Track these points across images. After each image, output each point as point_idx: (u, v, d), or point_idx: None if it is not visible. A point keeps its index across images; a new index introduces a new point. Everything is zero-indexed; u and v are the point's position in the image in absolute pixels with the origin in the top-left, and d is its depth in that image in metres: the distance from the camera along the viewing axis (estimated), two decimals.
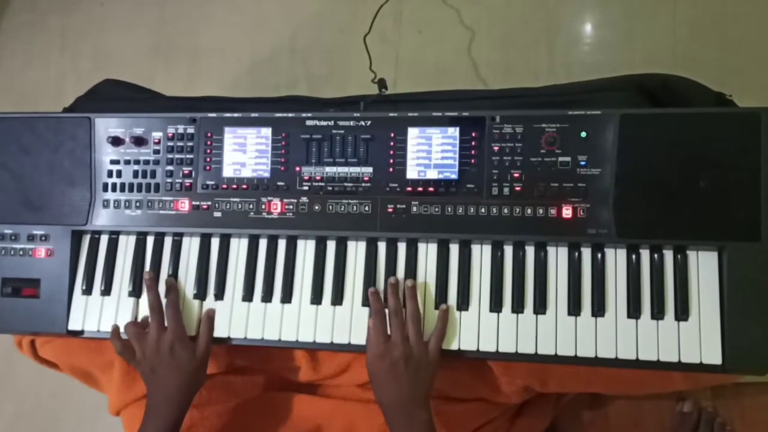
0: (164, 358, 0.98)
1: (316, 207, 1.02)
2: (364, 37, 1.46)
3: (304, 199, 1.02)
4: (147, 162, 1.06)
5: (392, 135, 1.01)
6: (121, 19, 2.23)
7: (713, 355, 0.91)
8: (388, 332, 0.96)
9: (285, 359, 1.10)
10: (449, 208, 0.98)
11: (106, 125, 1.07)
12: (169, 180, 1.06)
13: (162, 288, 1.04)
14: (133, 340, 1.00)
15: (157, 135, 1.06)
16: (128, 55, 2.20)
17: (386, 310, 0.97)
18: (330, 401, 1.08)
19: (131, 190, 1.06)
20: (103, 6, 2.25)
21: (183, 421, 0.99)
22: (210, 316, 1.03)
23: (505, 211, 0.97)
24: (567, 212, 0.95)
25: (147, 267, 1.06)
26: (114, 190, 1.07)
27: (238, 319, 1.02)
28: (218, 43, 2.13)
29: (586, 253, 0.96)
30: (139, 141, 1.06)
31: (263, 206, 1.03)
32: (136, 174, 1.06)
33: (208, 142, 1.05)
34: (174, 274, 1.06)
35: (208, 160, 1.05)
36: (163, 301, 1.03)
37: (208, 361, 1.02)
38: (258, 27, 2.11)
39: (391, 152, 1.01)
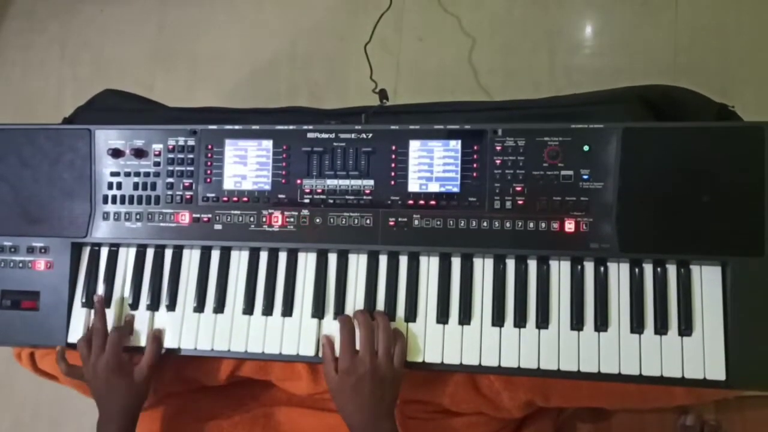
0: (101, 382, 1.00)
1: (317, 220, 1.01)
2: (365, 46, 1.46)
3: (305, 211, 1.02)
4: (147, 174, 1.06)
5: (394, 148, 1.01)
6: (121, 27, 2.22)
7: (717, 371, 0.90)
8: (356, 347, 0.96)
9: (286, 371, 1.10)
10: (451, 222, 0.98)
11: (107, 137, 1.07)
12: (170, 192, 1.05)
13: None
14: (81, 358, 1.02)
15: (157, 147, 1.06)
16: (128, 63, 2.20)
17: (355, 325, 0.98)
18: (332, 415, 1.07)
19: (131, 202, 1.06)
20: (102, 13, 2.25)
21: None
22: (156, 336, 1.03)
23: (507, 224, 0.97)
24: (569, 226, 0.95)
25: (147, 280, 1.06)
26: (114, 202, 1.06)
27: (239, 332, 1.02)
28: (218, 50, 2.13)
29: (589, 267, 0.96)
30: (139, 153, 1.06)
31: (264, 219, 1.03)
32: (136, 186, 1.06)
33: (209, 155, 1.05)
34: (174, 287, 1.05)
35: (208, 172, 1.05)
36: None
37: (149, 381, 1.03)
38: (258, 34, 2.10)
39: (393, 165, 1.01)
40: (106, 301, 1.06)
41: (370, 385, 0.92)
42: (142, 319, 1.05)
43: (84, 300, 1.06)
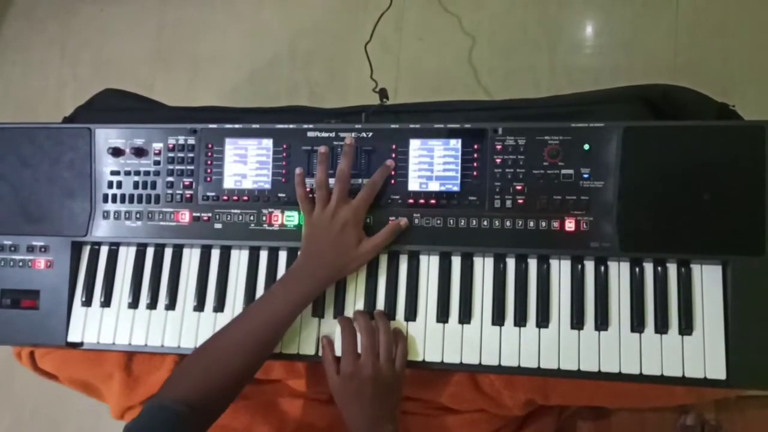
0: (336, 229, 0.96)
1: None
2: (365, 45, 1.46)
3: None
4: (147, 173, 1.06)
5: (394, 147, 1.01)
6: (121, 26, 2.22)
7: (717, 370, 0.90)
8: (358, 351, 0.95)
9: (286, 370, 1.09)
10: (451, 221, 0.98)
11: (107, 136, 1.07)
12: (170, 191, 1.05)
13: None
14: (317, 198, 0.99)
15: (157, 146, 1.06)
16: (128, 62, 2.20)
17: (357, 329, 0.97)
18: (335, 408, 1.07)
19: (131, 201, 1.06)
20: (102, 12, 2.25)
21: (313, 299, 0.97)
22: (398, 225, 0.98)
23: (508, 223, 0.96)
24: (570, 225, 0.95)
25: (146, 279, 1.06)
26: (114, 201, 1.06)
27: None
28: (218, 50, 2.13)
29: (589, 266, 0.96)
30: (139, 152, 1.06)
31: (264, 218, 1.03)
32: (136, 185, 1.06)
33: (209, 153, 1.05)
34: (174, 285, 1.05)
35: (208, 171, 1.05)
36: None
37: (365, 261, 0.98)
38: (258, 34, 2.10)
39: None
40: (106, 300, 1.06)
41: (373, 389, 0.92)
42: (140, 317, 1.05)
43: (84, 299, 1.06)
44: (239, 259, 1.05)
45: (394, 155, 1.00)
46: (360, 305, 1.00)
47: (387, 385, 0.93)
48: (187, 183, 1.05)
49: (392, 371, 0.94)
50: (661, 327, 0.92)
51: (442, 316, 0.98)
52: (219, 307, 1.03)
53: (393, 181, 1.00)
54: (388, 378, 0.93)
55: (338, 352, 0.97)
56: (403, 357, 0.96)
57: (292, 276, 0.96)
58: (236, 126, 1.05)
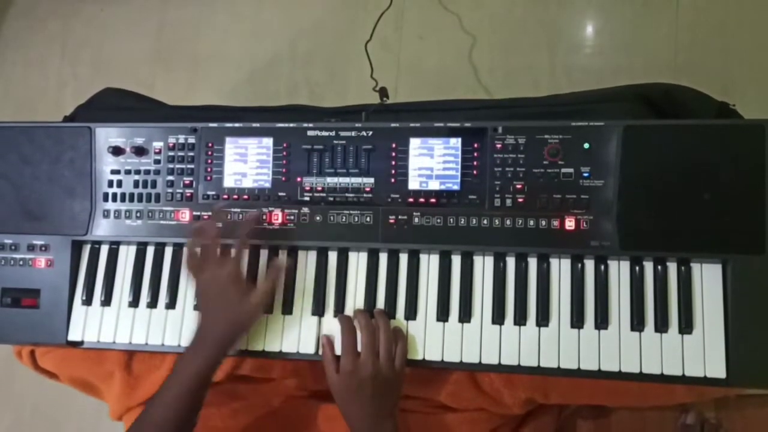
0: (215, 291, 0.96)
1: (318, 218, 1.01)
2: (365, 44, 1.46)
3: (306, 209, 1.02)
4: (148, 172, 1.06)
5: (394, 145, 1.01)
6: (122, 26, 2.22)
7: (717, 369, 0.90)
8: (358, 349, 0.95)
9: (286, 369, 1.10)
10: (451, 220, 0.98)
11: (107, 135, 1.07)
12: (170, 190, 1.05)
13: None
14: (202, 257, 0.98)
15: (157, 145, 1.06)
16: (128, 62, 2.20)
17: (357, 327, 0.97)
18: (333, 406, 1.07)
19: (132, 200, 1.06)
20: (103, 12, 2.25)
21: (220, 363, 0.95)
22: (279, 266, 1.00)
23: (508, 222, 0.96)
24: (570, 224, 0.95)
25: (147, 278, 1.06)
26: (114, 200, 1.06)
27: None
28: (218, 49, 2.13)
29: (589, 265, 0.96)
30: (139, 151, 1.06)
31: (264, 217, 1.03)
32: (136, 184, 1.06)
33: (209, 152, 1.05)
34: (174, 284, 1.05)
35: (209, 170, 1.05)
36: None
37: (259, 315, 0.98)
38: (258, 33, 2.10)
39: (393, 163, 1.01)
40: (106, 299, 1.06)
41: (372, 387, 0.92)
42: (140, 316, 1.05)
43: (84, 298, 1.06)
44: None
45: (394, 153, 1.00)
46: (360, 304, 1.00)
47: (386, 384, 0.93)
48: (187, 182, 1.05)
49: (392, 370, 0.94)
50: (661, 326, 0.92)
51: (442, 314, 0.98)
52: None
53: (393, 180, 1.00)
54: (387, 376, 0.93)
55: (338, 351, 0.97)
56: (402, 355, 0.96)
57: (193, 345, 0.95)
58: (236, 125, 1.05)
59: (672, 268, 0.94)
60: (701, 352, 0.91)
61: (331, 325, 1.00)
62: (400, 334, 0.97)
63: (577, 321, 0.94)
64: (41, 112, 2.20)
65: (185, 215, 1.04)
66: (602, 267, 0.95)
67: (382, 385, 0.93)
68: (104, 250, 1.08)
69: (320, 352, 0.99)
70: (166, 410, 0.91)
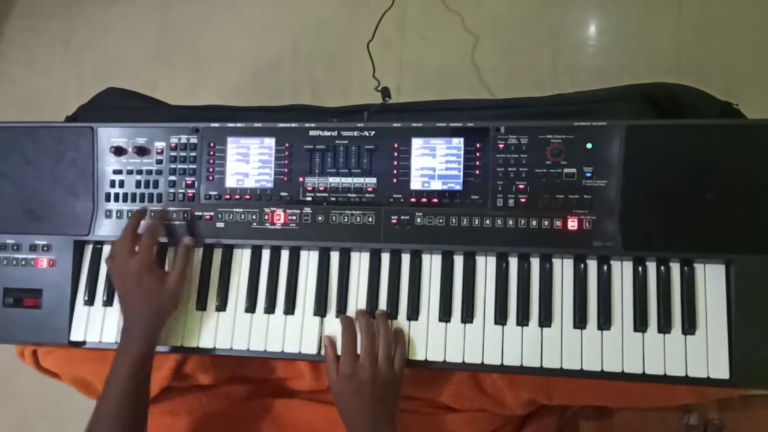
0: (130, 283, 0.97)
1: (320, 218, 1.01)
2: (368, 44, 1.46)
3: (308, 209, 1.02)
4: (150, 172, 1.06)
5: (396, 145, 1.00)
6: (124, 25, 2.23)
7: (721, 370, 0.90)
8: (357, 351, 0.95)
9: (288, 369, 1.10)
10: (453, 220, 0.98)
11: (109, 135, 1.07)
12: (172, 190, 1.05)
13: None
14: (112, 257, 1.00)
15: (159, 145, 1.06)
16: (131, 61, 2.20)
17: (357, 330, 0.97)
18: (332, 409, 1.07)
19: (134, 200, 1.06)
20: (106, 12, 2.25)
21: (152, 354, 0.97)
22: (187, 245, 1.02)
23: (510, 222, 0.96)
24: (572, 224, 0.94)
25: None
26: (117, 200, 1.06)
27: (241, 330, 1.02)
28: (221, 49, 2.13)
29: (592, 265, 0.96)
30: (141, 151, 1.06)
31: (266, 217, 1.02)
32: (138, 184, 1.06)
33: (211, 152, 1.05)
34: None
35: (210, 170, 1.04)
36: None
37: (180, 294, 1.00)
38: (261, 33, 2.10)
39: (395, 163, 1.00)
40: (109, 299, 1.06)
41: (371, 390, 0.92)
42: None
43: (86, 298, 1.06)
44: (241, 258, 1.04)
45: (396, 154, 1.00)
46: (362, 304, 1.00)
47: (385, 387, 0.93)
48: (189, 182, 1.05)
49: (391, 373, 0.94)
50: (664, 326, 0.92)
51: (445, 315, 0.97)
52: (222, 305, 1.03)
53: (395, 180, 1.00)
54: (386, 380, 0.93)
55: (340, 352, 0.97)
56: (402, 358, 0.96)
57: (123, 338, 0.97)
58: (238, 125, 1.05)
59: (675, 268, 0.94)
60: (704, 352, 0.91)
61: (333, 325, 1.00)
62: (400, 337, 0.97)
63: (580, 321, 0.94)
64: (44, 112, 2.21)
65: (187, 215, 1.04)
66: (605, 267, 0.95)
67: (380, 388, 0.93)
68: (106, 250, 1.08)
69: (323, 353, 0.99)
70: (112, 410, 0.91)
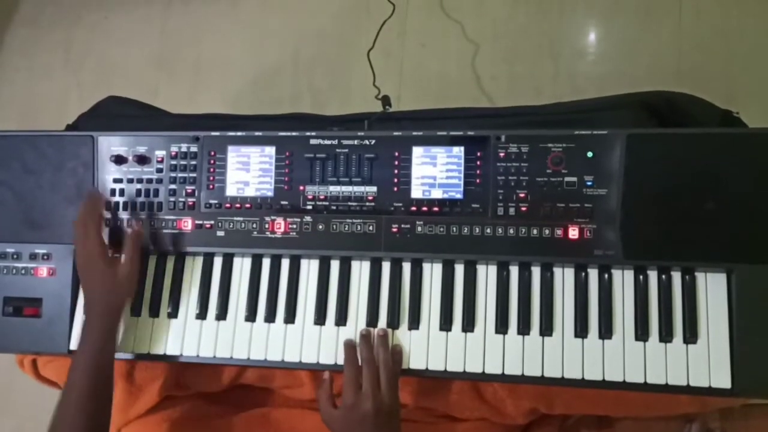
0: (85, 269, 0.98)
1: (320, 226, 1.01)
2: (368, 52, 1.46)
3: (308, 218, 1.01)
4: (150, 181, 1.06)
5: (396, 154, 1.00)
6: (125, 33, 2.23)
7: (722, 379, 0.90)
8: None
9: (288, 378, 1.09)
10: (454, 228, 0.98)
11: (109, 144, 1.07)
12: (172, 199, 1.05)
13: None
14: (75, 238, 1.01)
15: (160, 153, 1.06)
16: (132, 69, 2.20)
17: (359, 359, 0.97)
18: None
19: (134, 208, 1.06)
20: (106, 19, 2.26)
21: (111, 348, 0.96)
22: (137, 231, 1.02)
23: (511, 231, 0.96)
24: (573, 233, 0.94)
25: (149, 287, 1.06)
26: (117, 208, 1.06)
27: (241, 339, 1.01)
28: (222, 56, 2.13)
29: (593, 274, 0.96)
30: (142, 159, 1.06)
31: (267, 225, 1.02)
32: (139, 193, 1.06)
33: (212, 161, 1.05)
34: (176, 293, 1.05)
35: (211, 179, 1.04)
36: None
37: (134, 279, 1.01)
38: (261, 40, 2.11)
39: (396, 171, 1.00)
40: None
41: (375, 420, 0.91)
42: (144, 324, 1.05)
43: None
44: (242, 266, 1.04)
45: (396, 162, 1.00)
46: (363, 313, 1.00)
47: (389, 414, 0.92)
48: (189, 191, 1.05)
49: (394, 400, 0.93)
50: (666, 335, 0.92)
51: (446, 324, 0.97)
52: (222, 315, 1.03)
53: (396, 189, 1.00)
54: (391, 408, 0.92)
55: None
56: (396, 381, 0.95)
57: (85, 327, 0.97)
58: (239, 134, 1.05)
59: (676, 277, 0.94)
60: (706, 362, 0.91)
61: (332, 333, 1.00)
62: (397, 357, 0.96)
63: (581, 330, 0.94)
64: (45, 119, 2.21)
65: (187, 224, 1.04)
66: (606, 276, 0.95)
67: (384, 416, 0.91)
68: None
69: (321, 361, 0.98)
70: (74, 403, 0.90)
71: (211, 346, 1.02)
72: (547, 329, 0.94)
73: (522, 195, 0.96)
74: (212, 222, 1.04)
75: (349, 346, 0.97)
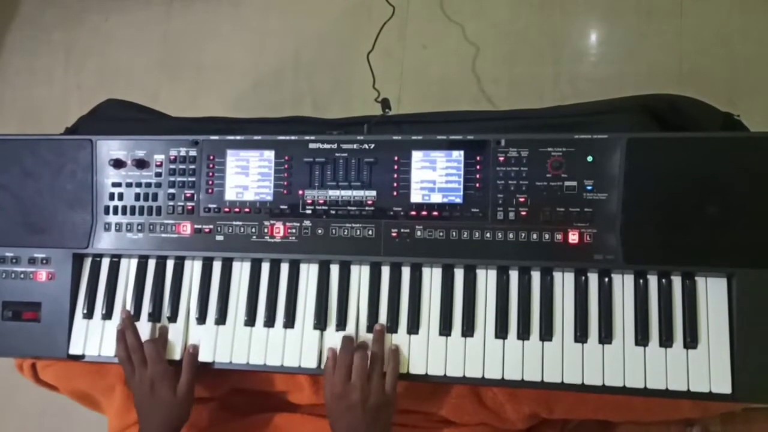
0: (146, 393, 0.99)
1: (319, 231, 1.01)
2: (368, 55, 1.46)
3: (307, 222, 1.01)
4: (149, 185, 1.06)
5: (396, 158, 1.00)
6: (126, 35, 2.23)
7: (723, 384, 0.89)
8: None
9: (288, 382, 1.09)
10: (454, 233, 0.97)
11: (108, 147, 1.07)
12: (171, 203, 1.05)
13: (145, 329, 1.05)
14: (125, 374, 1.02)
15: (159, 157, 1.06)
16: (133, 71, 2.20)
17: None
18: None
19: (133, 213, 1.05)
20: (107, 22, 2.26)
21: None
22: (192, 353, 1.02)
23: (511, 235, 0.96)
24: (573, 237, 0.94)
25: (148, 291, 1.05)
26: (116, 213, 1.06)
27: (240, 344, 1.01)
28: (222, 59, 2.13)
29: (593, 278, 0.95)
30: (141, 163, 1.06)
31: (266, 230, 1.02)
32: (137, 197, 1.06)
33: (211, 165, 1.04)
34: (176, 298, 1.05)
35: (210, 183, 1.04)
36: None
37: (191, 398, 1.02)
38: (262, 43, 2.11)
39: (395, 176, 1.00)
40: (108, 312, 1.05)
41: (361, 412, 0.91)
42: (143, 329, 1.05)
43: (85, 311, 1.06)
44: (241, 271, 1.04)
45: (396, 166, 1.00)
46: (362, 318, 1.00)
47: (376, 410, 0.92)
48: (188, 195, 1.04)
49: (381, 394, 0.93)
50: (666, 340, 0.91)
51: (445, 328, 0.97)
52: (221, 319, 1.03)
53: (395, 193, 1.00)
54: (378, 401, 0.92)
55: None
56: (393, 380, 0.95)
57: None
58: (238, 137, 1.04)
59: (677, 281, 0.93)
60: (706, 367, 0.90)
61: (334, 339, 0.99)
62: (393, 355, 0.96)
63: (581, 335, 0.93)
64: (46, 122, 2.21)
65: (187, 228, 1.04)
66: (606, 281, 0.94)
67: (371, 409, 0.92)
68: (105, 263, 1.08)
69: (323, 366, 0.98)
70: None
71: (211, 350, 1.02)
72: (546, 334, 0.94)
73: (522, 199, 0.96)
74: (211, 226, 1.03)
75: (348, 338, 0.98)
